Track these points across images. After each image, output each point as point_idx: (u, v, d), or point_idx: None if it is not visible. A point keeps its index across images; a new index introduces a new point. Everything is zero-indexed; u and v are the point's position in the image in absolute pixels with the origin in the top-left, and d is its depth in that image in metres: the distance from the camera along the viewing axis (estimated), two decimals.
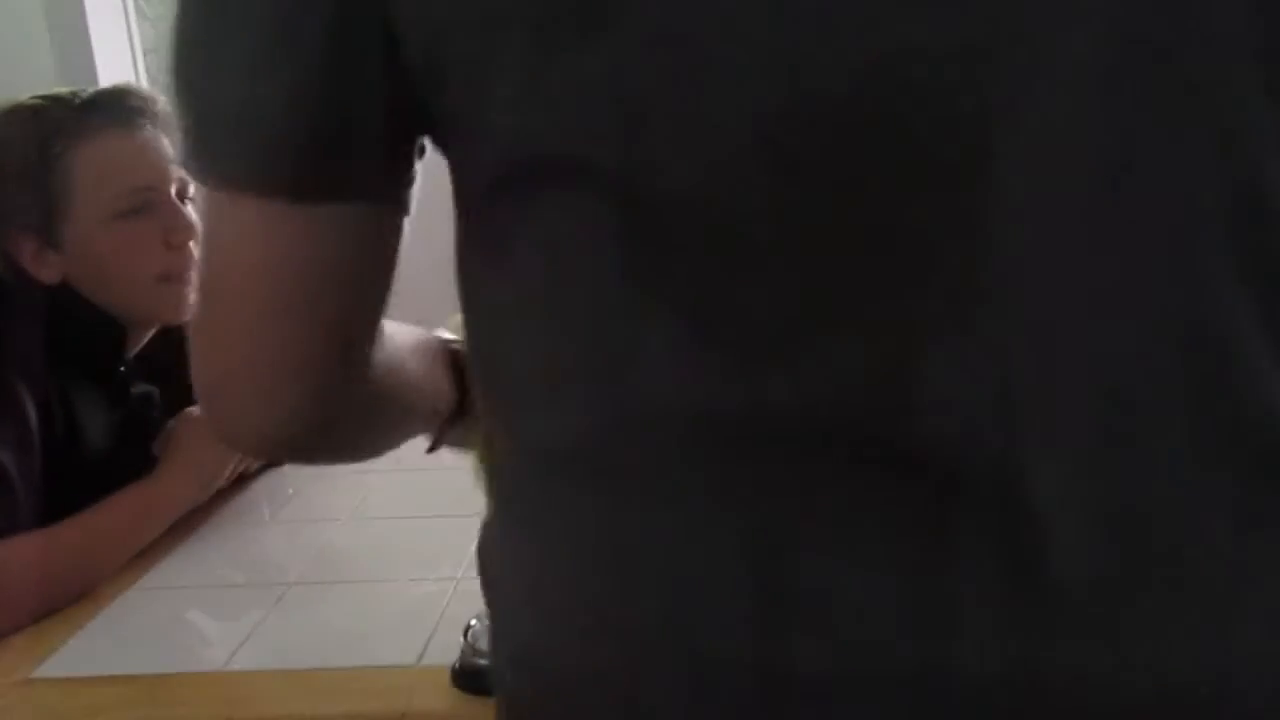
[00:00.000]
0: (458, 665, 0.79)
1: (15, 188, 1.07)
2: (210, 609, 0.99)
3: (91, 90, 1.15)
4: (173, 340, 1.22)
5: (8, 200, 1.07)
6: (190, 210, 1.13)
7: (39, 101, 1.10)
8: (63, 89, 1.15)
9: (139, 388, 1.18)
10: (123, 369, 1.16)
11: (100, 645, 0.89)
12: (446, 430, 0.71)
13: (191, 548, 1.09)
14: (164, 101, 1.14)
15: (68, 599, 0.95)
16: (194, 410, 1.17)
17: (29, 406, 1.01)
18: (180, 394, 1.24)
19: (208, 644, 0.88)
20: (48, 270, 1.08)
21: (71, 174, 1.06)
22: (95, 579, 0.98)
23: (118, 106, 1.10)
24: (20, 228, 1.07)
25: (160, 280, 1.11)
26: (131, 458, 1.13)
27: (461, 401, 0.69)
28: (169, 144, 1.14)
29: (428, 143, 0.49)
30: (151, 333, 1.18)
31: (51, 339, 1.06)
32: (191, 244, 1.13)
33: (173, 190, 1.12)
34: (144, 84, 2.49)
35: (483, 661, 0.77)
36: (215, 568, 1.05)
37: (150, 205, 1.10)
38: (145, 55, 2.58)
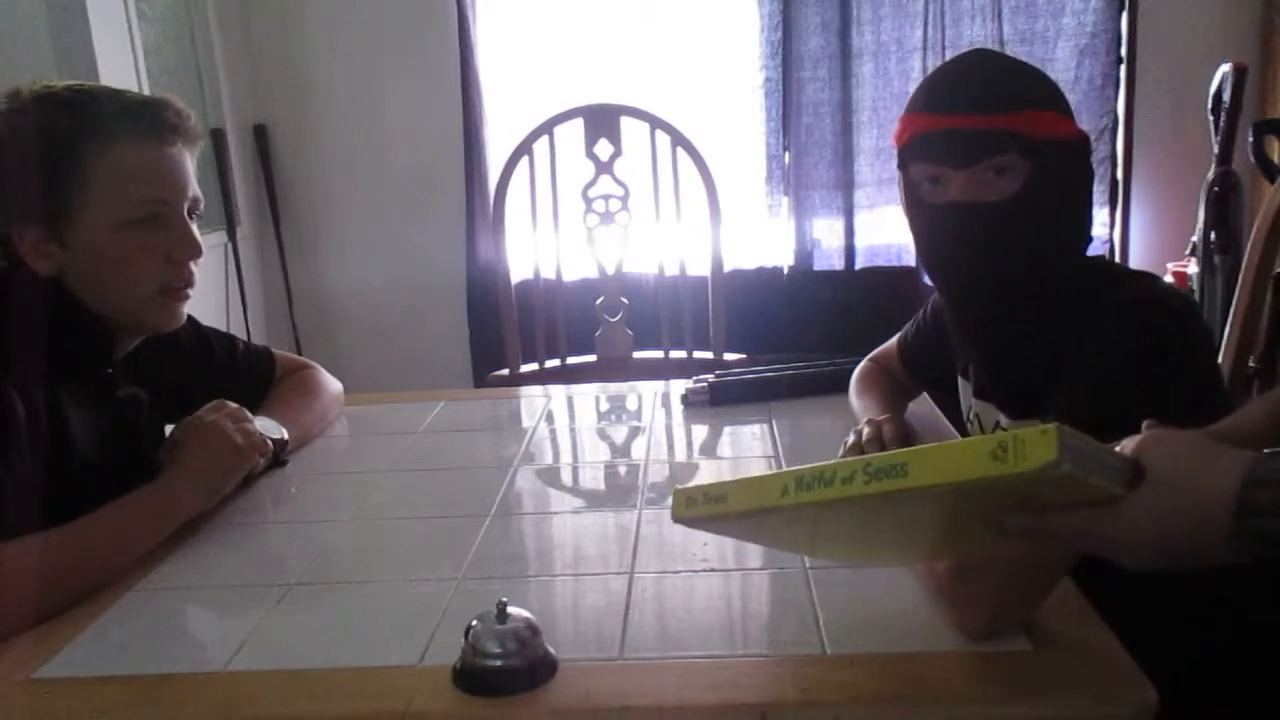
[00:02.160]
0: (458, 665, 0.79)
1: (31, 176, 1.05)
2: (210, 609, 0.99)
3: (130, 94, 1.14)
4: (160, 345, 1.22)
5: (20, 186, 1.06)
6: (196, 229, 1.13)
7: (75, 94, 1.08)
8: (97, 85, 1.13)
9: (125, 390, 1.18)
10: (110, 371, 1.16)
11: (101, 646, 0.89)
12: None
13: (192, 548, 1.09)
14: (197, 119, 1.14)
15: (69, 602, 0.95)
16: (201, 416, 1.17)
17: (17, 405, 1.01)
18: (166, 398, 1.24)
19: (208, 644, 0.88)
20: (45, 262, 1.07)
21: (93, 174, 1.06)
22: (96, 583, 0.98)
23: (154, 118, 1.09)
24: (26, 216, 1.06)
25: (158, 292, 1.12)
26: (117, 460, 1.13)
27: None
28: (191, 161, 1.14)
29: None
30: (139, 339, 1.18)
31: (41, 336, 1.06)
32: (193, 263, 1.13)
33: (185, 208, 1.12)
34: (144, 84, 2.50)
35: (483, 662, 0.78)
36: (215, 568, 1.05)
37: (160, 218, 1.10)
38: (145, 55, 2.58)
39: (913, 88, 1.11)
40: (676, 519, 0.81)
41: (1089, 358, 0.93)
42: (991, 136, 0.99)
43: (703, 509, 0.80)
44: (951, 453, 0.64)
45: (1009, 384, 1.11)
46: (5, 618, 0.90)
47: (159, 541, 1.06)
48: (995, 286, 1.04)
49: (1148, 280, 1.04)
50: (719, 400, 1.51)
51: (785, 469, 0.77)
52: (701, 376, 1.56)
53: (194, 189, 1.13)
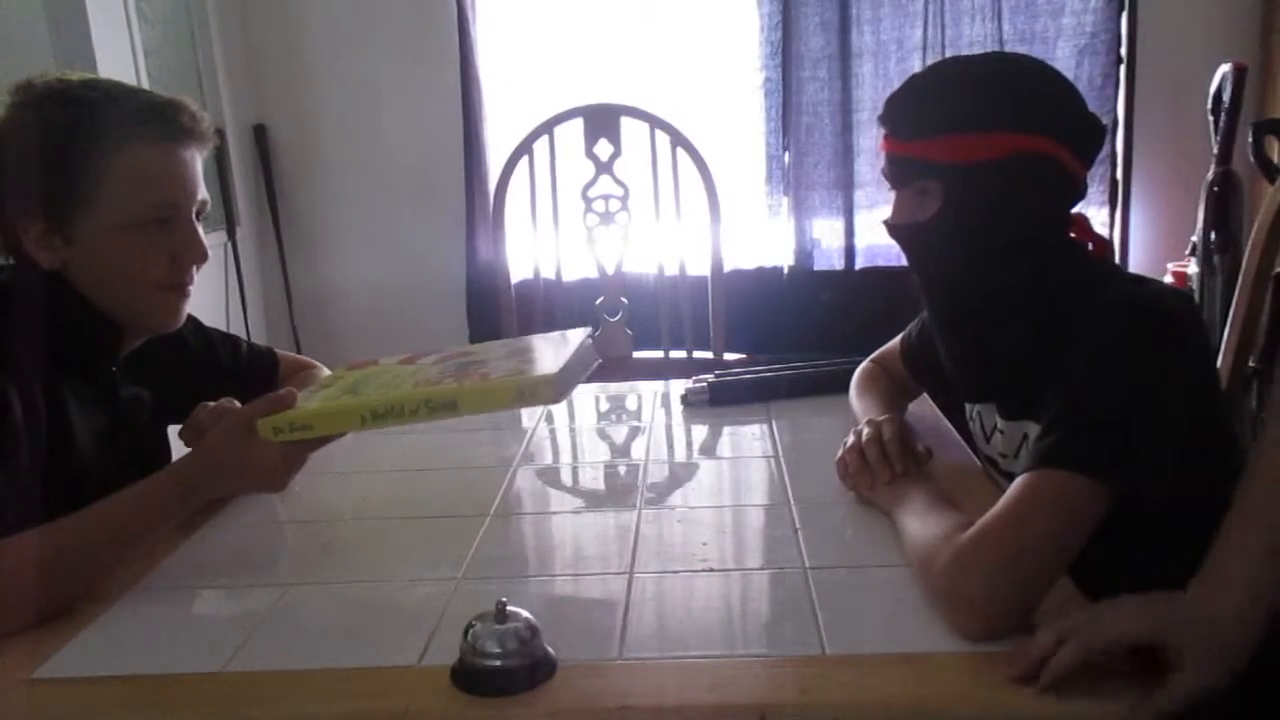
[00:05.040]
0: (458, 665, 0.79)
1: (41, 170, 1.04)
2: (210, 609, 0.99)
3: (146, 94, 1.13)
4: (165, 347, 1.22)
5: (29, 180, 1.05)
6: (201, 231, 1.13)
7: (90, 92, 1.07)
8: (111, 81, 1.12)
9: (128, 390, 1.18)
10: (113, 369, 1.16)
11: (100, 646, 0.89)
12: None
13: (191, 548, 1.09)
14: (209, 121, 1.13)
15: (72, 596, 0.95)
16: (224, 403, 1.16)
17: (15, 400, 1.00)
18: (170, 399, 1.23)
19: (208, 644, 0.88)
20: (49, 255, 1.07)
21: (105, 174, 1.05)
22: (98, 575, 0.97)
23: (170, 121, 1.09)
24: (33, 208, 1.05)
25: (158, 287, 1.11)
26: (117, 460, 1.13)
27: None
28: (201, 163, 1.13)
29: None
30: (141, 339, 1.18)
31: (43, 332, 1.05)
32: (194, 267, 1.13)
33: (193, 210, 1.12)
34: (144, 84, 2.50)
35: (483, 662, 0.78)
36: (215, 568, 1.05)
37: (168, 220, 1.09)
38: (146, 55, 2.57)
39: None
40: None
41: (1076, 361, 0.93)
42: (907, 163, 1.04)
43: (288, 435, 0.99)
44: (489, 396, 0.96)
45: (985, 386, 1.14)
46: (5, 614, 0.90)
47: (160, 526, 1.02)
48: (934, 298, 1.12)
49: (1142, 282, 1.04)
50: (719, 400, 1.51)
51: (359, 398, 1.00)
52: (701, 377, 1.56)
53: (202, 191, 1.13)
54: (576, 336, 1.09)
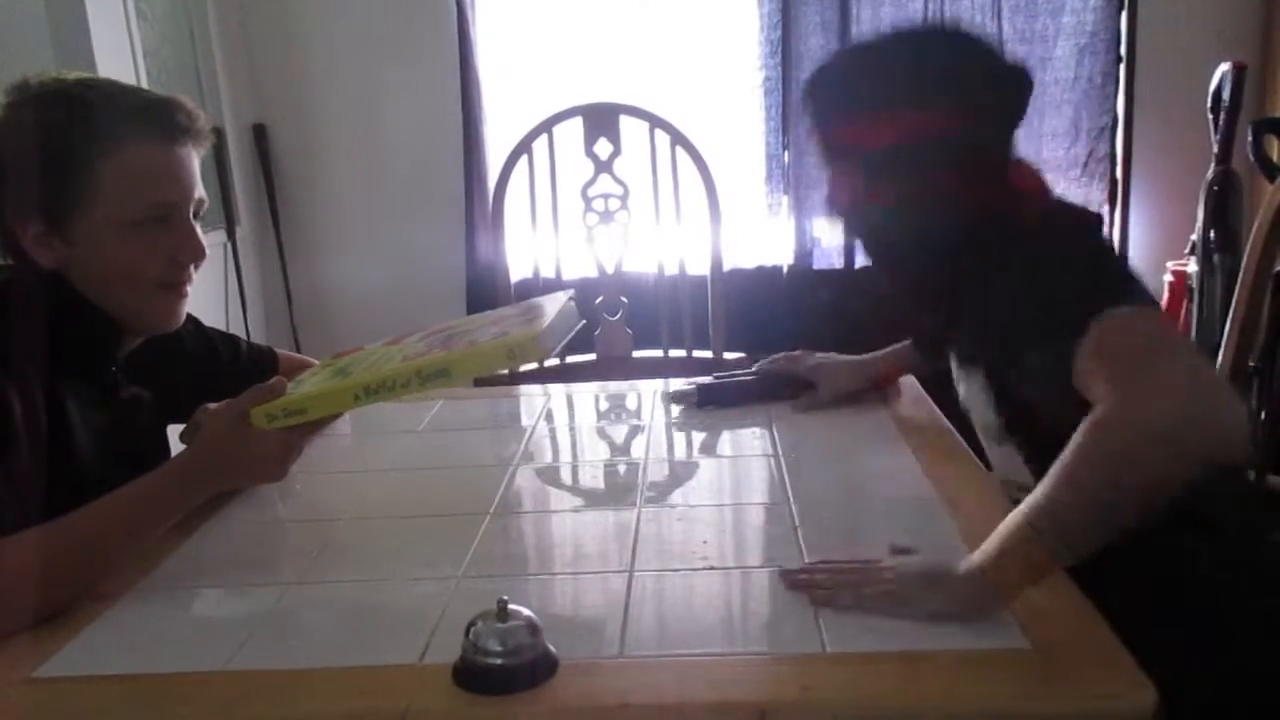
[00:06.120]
0: (459, 664, 0.79)
1: (39, 170, 1.04)
2: (210, 608, 0.99)
3: (142, 93, 1.13)
4: (164, 347, 1.22)
5: (26, 180, 1.05)
6: (200, 230, 1.13)
7: (86, 91, 1.07)
8: (107, 80, 1.12)
9: (128, 390, 1.18)
10: (113, 369, 1.16)
11: (100, 645, 0.89)
12: None
13: (192, 547, 1.09)
14: (206, 119, 1.13)
15: (76, 593, 0.95)
16: (222, 404, 1.16)
17: (14, 400, 1.00)
18: (169, 399, 1.23)
19: (208, 643, 0.88)
20: (48, 255, 1.07)
21: (102, 174, 1.05)
22: (98, 573, 0.97)
23: (166, 120, 1.08)
24: (31, 209, 1.05)
25: (156, 286, 1.11)
26: (117, 460, 1.12)
27: None
28: (198, 161, 1.13)
29: None
30: (140, 339, 1.17)
31: (43, 332, 1.05)
32: (193, 266, 1.13)
33: (190, 210, 1.12)
34: (144, 84, 2.49)
35: (484, 660, 0.78)
36: (215, 567, 1.05)
37: (166, 220, 1.09)
38: (145, 56, 2.57)
39: None
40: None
41: (1005, 289, 0.98)
42: (821, 149, 1.10)
43: (283, 421, 1.00)
44: (480, 359, 0.99)
45: (939, 339, 1.22)
46: (5, 614, 0.90)
47: (159, 523, 1.03)
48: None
49: (1052, 239, 1.04)
50: (706, 403, 1.49)
51: (351, 376, 1.02)
52: (692, 380, 1.55)
53: (199, 190, 1.12)
54: (559, 298, 1.12)
